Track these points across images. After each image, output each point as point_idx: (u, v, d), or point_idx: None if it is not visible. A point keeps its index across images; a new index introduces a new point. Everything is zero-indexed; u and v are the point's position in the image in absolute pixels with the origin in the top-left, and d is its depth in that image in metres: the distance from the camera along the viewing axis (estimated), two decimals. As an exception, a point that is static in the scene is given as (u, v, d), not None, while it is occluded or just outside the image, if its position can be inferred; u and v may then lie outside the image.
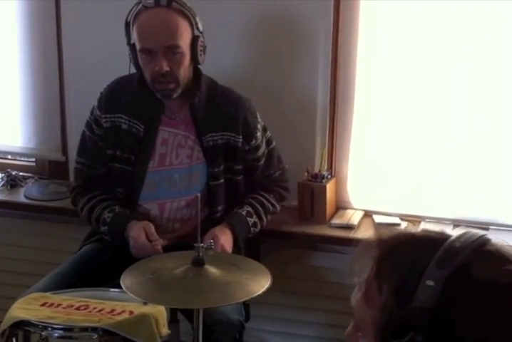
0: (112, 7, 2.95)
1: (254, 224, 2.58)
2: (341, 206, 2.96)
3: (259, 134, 2.57)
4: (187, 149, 2.53)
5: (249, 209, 2.58)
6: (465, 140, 2.78)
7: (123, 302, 2.14)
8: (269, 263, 2.18)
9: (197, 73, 2.50)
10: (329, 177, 2.87)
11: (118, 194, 2.58)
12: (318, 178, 2.84)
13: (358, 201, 2.96)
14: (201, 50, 2.45)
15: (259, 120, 2.59)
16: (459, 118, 2.77)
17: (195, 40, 2.43)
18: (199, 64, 2.48)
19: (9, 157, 3.40)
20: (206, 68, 2.54)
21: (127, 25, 2.43)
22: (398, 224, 2.83)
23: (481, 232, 1.13)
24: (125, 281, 1.99)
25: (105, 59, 2.98)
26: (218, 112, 2.52)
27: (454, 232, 1.15)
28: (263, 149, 2.62)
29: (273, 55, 2.88)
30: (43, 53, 3.12)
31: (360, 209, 2.94)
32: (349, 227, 2.82)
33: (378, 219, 2.88)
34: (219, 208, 2.56)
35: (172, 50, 2.38)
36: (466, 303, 1.04)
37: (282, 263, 2.84)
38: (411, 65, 2.77)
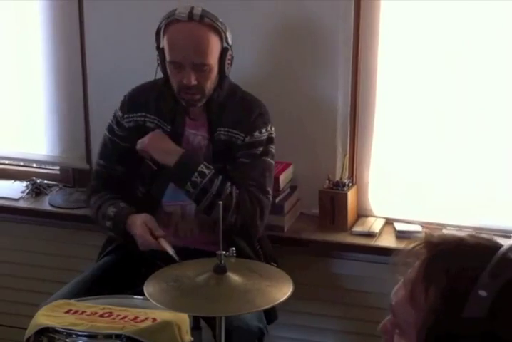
0: (135, 14, 2.99)
1: (201, 174, 2.44)
2: (362, 213, 2.96)
3: (257, 134, 2.52)
4: (204, 149, 2.55)
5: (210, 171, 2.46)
6: (487, 148, 2.78)
7: (146, 309, 2.16)
8: (290, 270, 2.19)
9: (221, 77, 2.52)
10: (350, 184, 2.88)
11: (139, 193, 2.59)
12: (339, 186, 2.85)
13: (379, 209, 2.96)
14: (228, 63, 2.48)
15: (269, 129, 2.55)
16: (482, 128, 2.77)
17: (223, 53, 2.45)
18: (225, 75, 2.51)
19: (34, 165, 3.44)
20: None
21: (158, 31, 2.46)
22: (419, 232, 2.83)
23: None
24: (148, 288, 2.01)
25: (130, 68, 3.00)
26: (231, 111, 2.53)
27: (503, 241, 1.13)
28: (256, 151, 2.53)
29: (294, 61, 2.88)
30: (67, 62, 3.15)
31: (381, 217, 2.95)
32: (370, 235, 2.83)
33: (399, 226, 2.88)
34: None
35: (200, 67, 2.41)
36: None
37: (302, 271, 2.85)
38: (434, 73, 2.77)
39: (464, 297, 1.03)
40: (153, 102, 2.56)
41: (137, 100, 2.59)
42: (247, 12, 2.87)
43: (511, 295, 1.04)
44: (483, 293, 1.03)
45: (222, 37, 2.44)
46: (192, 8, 2.41)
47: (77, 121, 3.20)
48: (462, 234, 1.15)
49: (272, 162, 2.58)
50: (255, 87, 2.72)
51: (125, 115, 2.58)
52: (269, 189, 2.53)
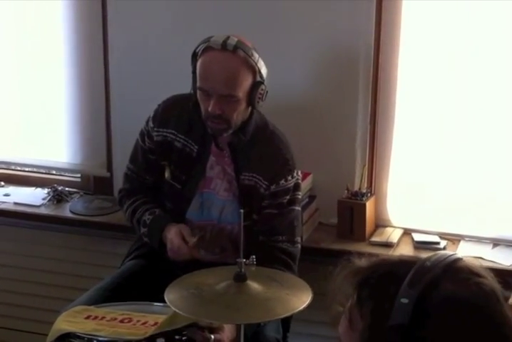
0: (159, 21, 3.02)
1: None
2: (380, 224, 2.97)
3: (283, 182, 2.49)
4: (225, 182, 2.54)
5: None
6: (507, 160, 2.79)
7: (166, 315, 2.17)
8: (308, 280, 2.20)
9: (250, 113, 2.49)
10: (369, 194, 2.89)
11: (167, 208, 2.61)
12: (358, 196, 2.86)
13: (397, 219, 2.97)
14: (259, 98, 2.42)
15: (295, 175, 2.52)
16: (504, 141, 2.78)
17: (254, 87, 2.41)
18: (255, 109, 2.47)
19: (54, 172, 3.47)
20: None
21: (193, 55, 2.43)
22: (438, 243, 2.84)
23: (452, 252, 1.19)
24: (169, 295, 2.02)
25: (153, 74, 3.04)
26: (257, 154, 2.51)
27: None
28: (282, 200, 2.50)
29: (315, 74, 2.91)
30: (90, 70, 3.18)
31: (399, 227, 2.96)
32: (388, 245, 2.84)
33: (417, 237, 2.89)
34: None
35: (227, 98, 2.38)
36: (437, 319, 1.09)
37: (320, 281, 2.85)
38: (453, 86, 2.78)
39: (390, 308, 1.10)
40: (185, 121, 2.54)
41: (170, 114, 2.56)
42: (271, 29, 2.89)
43: (429, 300, 1.10)
44: (404, 300, 1.10)
45: (254, 71, 2.39)
46: (228, 37, 2.36)
47: (98, 129, 3.23)
48: (389, 256, 1.23)
49: (299, 209, 2.57)
50: (278, 98, 2.74)
51: (155, 128, 2.57)
52: (299, 238, 2.54)
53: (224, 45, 2.36)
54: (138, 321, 2.16)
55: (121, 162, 2.87)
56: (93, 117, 3.23)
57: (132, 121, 2.77)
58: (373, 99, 2.88)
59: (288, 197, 2.51)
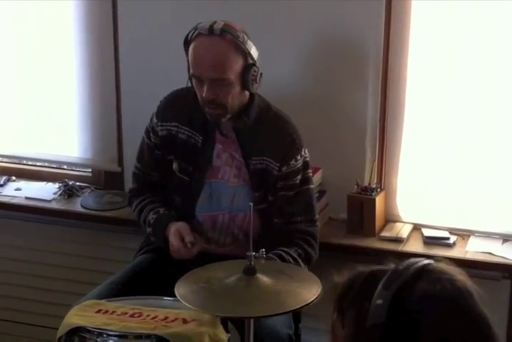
0: (169, 19, 3.02)
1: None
2: (390, 219, 2.97)
3: (293, 163, 2.52)
4: (234, 168, 2.56)
5: None
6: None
7: (176, 310, 2.18)
8: (318, 275, 2.20)
9: (251, 97, 2.50)
10: (379, 190, 2.89)
11: (176, 202, 2.63)
12: (367, 191, 2.86)
13: (407, 215, 2.97)
14: (253, 80, 2.43)
15: (303, 153, 2.54)
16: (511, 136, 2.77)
17: (246, 69, 2.42)
18: (251, 92, 2.48)
19: (65, 167, 3.48)
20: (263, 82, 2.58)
21: (186, 43, 2.45)
22: (447, 238, 2.84)
23: (423, 258, 1.23)
24: (179, 289, 2.03)
25: (163, 70, 3.04)
26: (263, 137, 2.53)
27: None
28: (295, 180, 2.54)
29: (325, 70, 2.91)
30: (100, 65, 3.19)
31: (409, 223, 2.95)
32: (398, 240, 2.84)
33: (427, 232, 2.88)
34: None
35: (219, 82, 2.39)
36: (414, 315, 1.12)
37: (329, 275, 2.85)
38: (462, 84, 2.78)
39: (366, 311, 1.14)
40: (187, 112, 2.56)
41: (172, 108, 2.59)
42: (282, 25, 2.89)
43: (405, 297, 1.13)
44: (379, 301, 1.13)
45: (244, 53, 2.40)
46: (214, 22, 2.38)
47: (109, 124, 3.23)
48: (363, 267, 1.27)
49: (313, 186, 2.61)
50: (290, 96, 2.74)
51: (159, 123, 2.59)
52: (316, 217, 2.59)
53: (211, 30, 2.38)
54: (148, 316, 2.17)
55: (132, 157, 2.88)
56: (104, 112, 3.24)
57: (143, 117, 2.77)
58: (382, 95, 2.87)
59: (299, 177, 2.54)
